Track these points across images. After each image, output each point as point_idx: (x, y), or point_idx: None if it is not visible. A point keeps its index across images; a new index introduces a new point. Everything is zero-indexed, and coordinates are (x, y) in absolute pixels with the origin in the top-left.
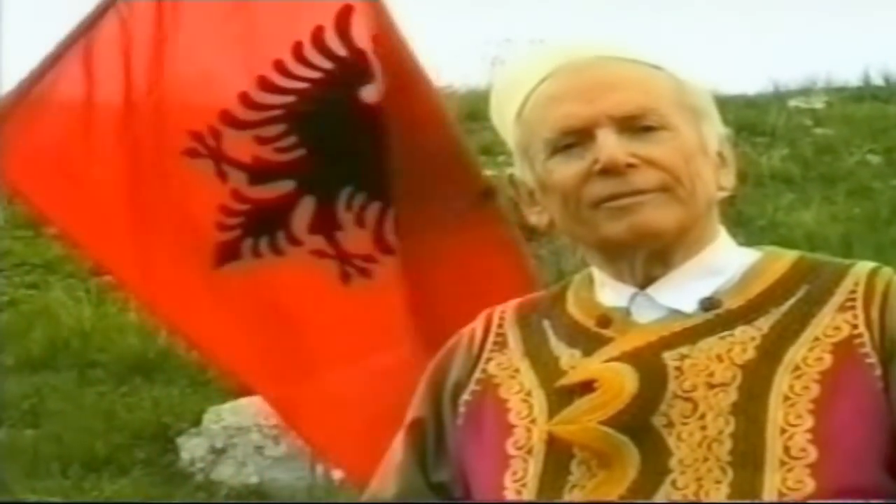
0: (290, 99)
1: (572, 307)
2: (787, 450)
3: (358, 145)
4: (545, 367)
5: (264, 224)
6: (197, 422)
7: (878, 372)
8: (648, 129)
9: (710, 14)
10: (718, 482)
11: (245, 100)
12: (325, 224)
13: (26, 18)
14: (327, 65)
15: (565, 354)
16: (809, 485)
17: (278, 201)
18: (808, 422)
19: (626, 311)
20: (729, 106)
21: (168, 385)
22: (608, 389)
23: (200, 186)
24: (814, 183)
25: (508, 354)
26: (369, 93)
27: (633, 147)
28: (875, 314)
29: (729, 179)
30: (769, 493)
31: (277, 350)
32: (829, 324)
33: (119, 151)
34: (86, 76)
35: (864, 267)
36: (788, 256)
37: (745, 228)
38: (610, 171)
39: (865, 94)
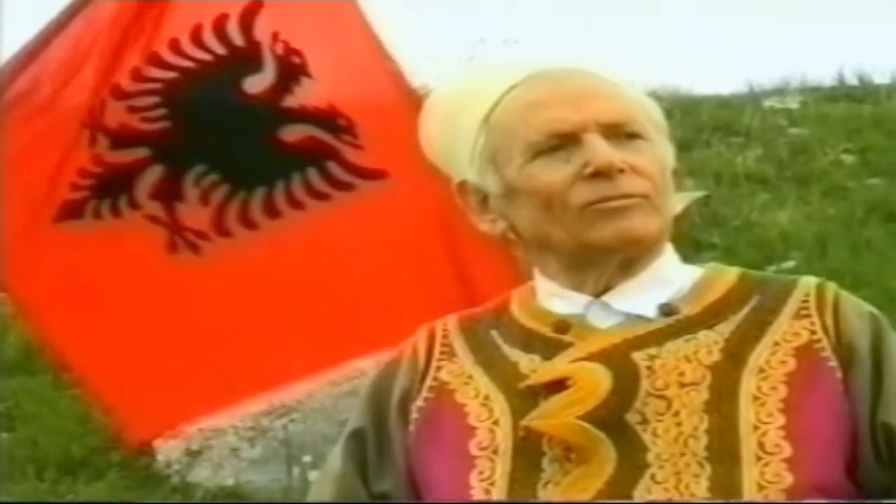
0: (172, 75)
1: (521, 317)
2: (761, 445)
3: (225, 128)
4: (502, 372)
5: (111, 187)
6: None
7: (839, 375)
8: (631, 138)
9: (684, 15)
10: (697, 476)
11: (135, 74)
12: (167, 193)
13: (25, 18)
14: (220, 50)
15: (523, 359)
16: (788, 478)
17: (129, 166)
18: (780, 420)
19: (583, 318)
20: (703, 106)
21: None
22: (584, 386)
23: (70, 150)
24: (788, 183)
25: (458, 363)
26: (253, 83)
27: (619, 153)
28: (830, 321)
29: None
30: (749, 486)
31: (94, 316)
32: (788, 330)
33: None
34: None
35: (810, 280)
36: (733, 271)
37: (720, 229)
38: (602, 174)
39: (840, 94)
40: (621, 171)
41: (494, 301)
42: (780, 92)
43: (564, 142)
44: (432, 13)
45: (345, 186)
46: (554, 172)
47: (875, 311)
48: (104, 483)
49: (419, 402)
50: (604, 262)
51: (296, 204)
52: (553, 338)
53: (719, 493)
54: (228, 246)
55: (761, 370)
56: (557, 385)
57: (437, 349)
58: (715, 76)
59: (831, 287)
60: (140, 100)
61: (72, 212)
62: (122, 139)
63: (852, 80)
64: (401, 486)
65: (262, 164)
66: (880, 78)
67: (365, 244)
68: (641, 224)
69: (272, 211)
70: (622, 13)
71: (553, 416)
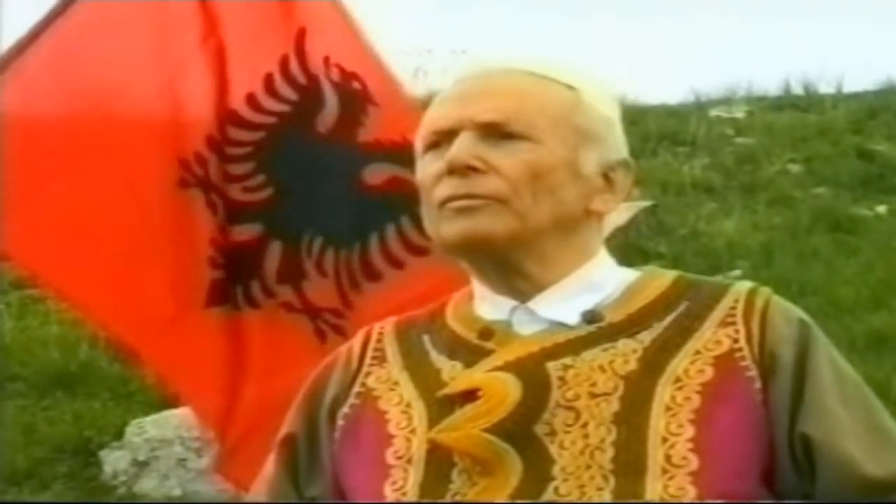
0: (259, 135)
1: (452, 322)
2: (668, 458)
3: (314, 181)
4: (425, 379)
5: (241, 270)
6: (119, 435)
7: (758, 385)
8: (508, 138)
9: (630, 24)
10: (601, 489)
11: (221, 130)
12: (292, 272)
13: (26, 17)
14: (292, 96)
15: (446, 366)
16: (691, 492)
17: (250, 245)
18: (689, 431)
19: (508, 324)
20: (650, 115)
21: (90, 398)
22: (492, 397)
23: (195, 217)
24: (735, 192)
25: (387, 368)
26: (322, 121)
27: (485, 152)
28: (755, 330)
29: (609, 204)
30: (651, 500)
31: (244, 401)
32: (711, 338)
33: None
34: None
35: (743, 286)
36: (668, 275)
37: (666, 237)
38: (454, 171)
39: (786, 103)
40: (476, 169)
41: (433, 304)
42: (726, 101)
43: (445, 139)
44: (379, 23)
45: None
46: (430, 168)
47: (806, 318)
48: (50, 494)
49: (345, 409)
50: (474, 263)
51: (394, 262)
52: (476, 344)
53: None
54: (356, 318)
55: (678, 380)
56: (470, 395)
57: (370, 354)
58: (661, 85)
59: (763, 294)
60: (236, 167)
61: (220, 296)
62: (233, 213)
63: (798, 90)
64: (328, 491)
65: (355, 216)
66: (826, 87)
67: None
68: (483, 225)
69: (371, 273)
70: (567, 23)
71: (459, 428)
